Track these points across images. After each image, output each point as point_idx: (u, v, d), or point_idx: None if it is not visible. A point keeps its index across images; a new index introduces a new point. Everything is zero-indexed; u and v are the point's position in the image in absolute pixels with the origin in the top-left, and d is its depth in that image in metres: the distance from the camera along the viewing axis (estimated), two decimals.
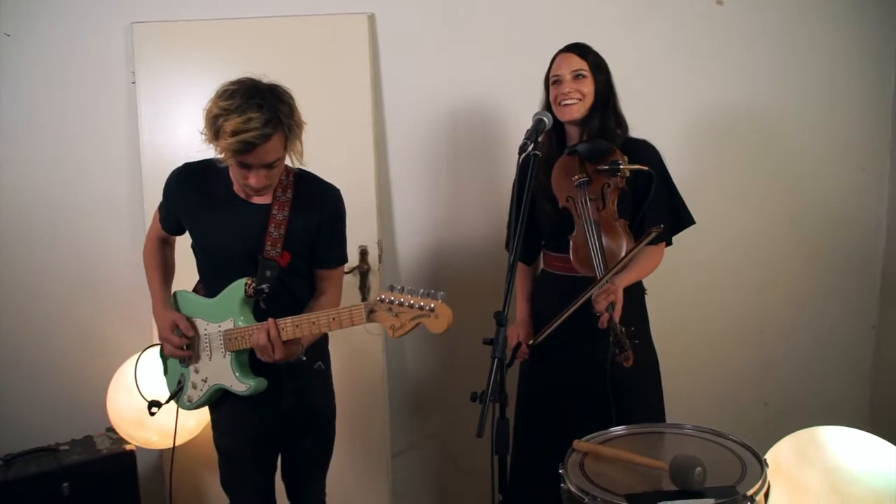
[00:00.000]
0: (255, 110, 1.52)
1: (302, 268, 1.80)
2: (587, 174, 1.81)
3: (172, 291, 1.91)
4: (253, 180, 1.62)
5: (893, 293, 2.67)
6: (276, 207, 1.72)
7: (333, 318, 1.59)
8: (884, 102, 2.63)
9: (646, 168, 1.79)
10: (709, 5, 2.54)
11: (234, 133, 1.51)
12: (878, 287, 2.71)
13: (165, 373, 1.94)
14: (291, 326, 1.63)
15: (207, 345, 1.79)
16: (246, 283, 1.70)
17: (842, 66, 2.60)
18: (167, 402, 1.88)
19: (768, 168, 2.63)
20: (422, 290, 1.48)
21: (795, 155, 2.64)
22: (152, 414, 1.89)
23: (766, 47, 2.57)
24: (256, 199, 1.74)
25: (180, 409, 1.90)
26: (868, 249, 2.70)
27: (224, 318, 1.75)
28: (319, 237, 1.76)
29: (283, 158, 1.66)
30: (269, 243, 1.70)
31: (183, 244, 1.91)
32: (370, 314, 1.53)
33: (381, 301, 1.51)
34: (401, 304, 1.49)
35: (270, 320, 1.63)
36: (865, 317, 2.73)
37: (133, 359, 2.34)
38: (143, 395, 1.94)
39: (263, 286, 1.68)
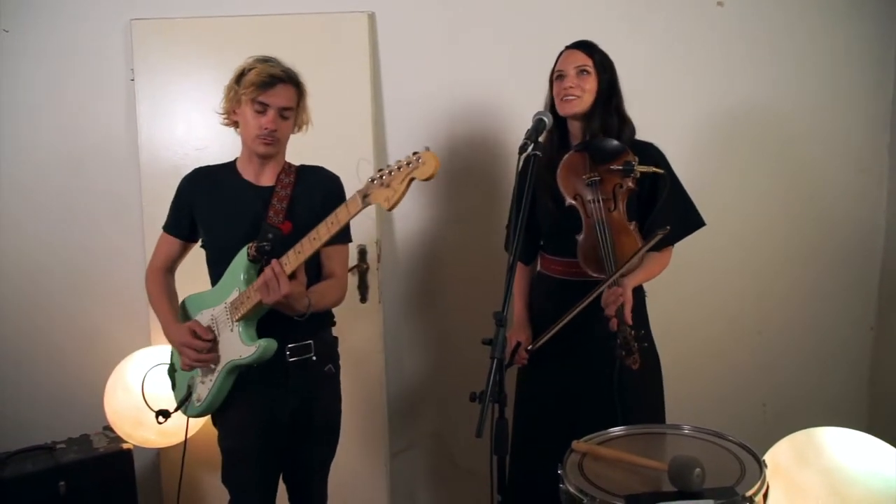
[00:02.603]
0: (277, 64, 1.79)
1: None
2: (598, 173, 1.80)
3: (181, 300, 1.92)
4: (267, 120, 1.75)
5: (891, 295, 2.68)
6: (280, 186, 1.82)
7: (332, 222, 1.62)
8: (883, 104, 2.63)
9: (661, 171, 1.78)
10: (709, 6, 2.54)
11: (260, 73, 1.73)
12: (876, 289, 2.72)
13: (174, 388, 1.94)
14: (293, 254, 1.66)
15: (216, 329, 1.80)
16: (248, 247, 1.73)
17: (841, 67, 2.60)
18: (175, 410, 1.88)
19: (767, 169, 2.63)
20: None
21: (794, 157, 2.64)
22: (160, 423, 1.88)
23: (765, 49, 2.57)
24: (263, 182, 1.84)
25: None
26: (866, 251, 2.70)
27: (229, 292, 1.77)
28: (323, 215, 1.74)
29: (294, 113, 1.80)
30: (272, 213, 1.78)
31: (188, 258, 1.95)
32: (365, 198, 1.58)
33: (372, 181, 1.56)
34: (390, 173, 1.54)
35: (273, 260, 1.66)
36: (864, 318, 2.73)
37: (130, 358, 2.35)
38: (149, 406, 1.94)
39: (265, 244, 1.72)
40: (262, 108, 1.74)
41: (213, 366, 1.80)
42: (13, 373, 2.51)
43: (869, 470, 1.64)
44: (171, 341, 1.87)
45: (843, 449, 1.70)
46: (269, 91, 1.73)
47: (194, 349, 1.78)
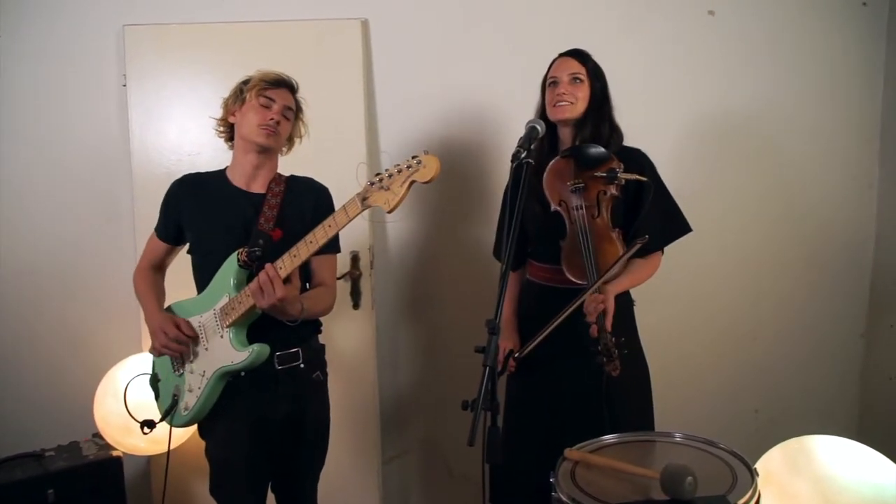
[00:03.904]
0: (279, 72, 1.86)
1: None
2: (583, 180, 1.81)
3: (167, 305, 1.92)
4: (275, 112, 1.80)
5: (882, 302, 2.69)
6: (270, 194, 1.83)
7: (329, 225, 1.63)
8: (873, 111, 2.65)
9: (644, 178, 1.79)
10: (703, 14, 2.56)
11: (268, 73, 1.83)
12: (866, 296, 2.73)
13: (157, 398, 1.93)
14: (289, 258, 1.66)
15: (203, 336, 1.79)
16: (239, 253, 1.73)
17: (832, 76, 2.62)
18: (161, 420, 1.86)
19: (759, 178, 2.65)
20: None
21: (785, 165, 2.66)
22: (145, 433, 1.87)
23: (756, 57, 2.59)
24: (253, 188, 1.84)
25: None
26: (857, 258, 2.72)
27: (218, 299, 1.76)
28: (312, 222, 1.75)
29: (293, 113, 1.86)
30: (262, 219, 1.79)
31: (176, 263, 1.95)
32: (364, 201, 1.60)
33: (371, 184, 1.58)
34: (390, 176, 1.56)
35: (268, 264, 1.67)
36: (854, 325, 2.75)
37: (121, 364, 2.33)
38: (133, 417, 1.92)
39: (256, 249, 1.72)
40: (268, 103, 1.80)
41: (203, 370, 1.79)
42: (1, 378, 2.48)
43: (860, 478, 1.65)
44: (149, 324, 1.87)
45: (834, 457, 1.70)
46: (277, 89, 1.82)
47: (166, 334, 1.78)
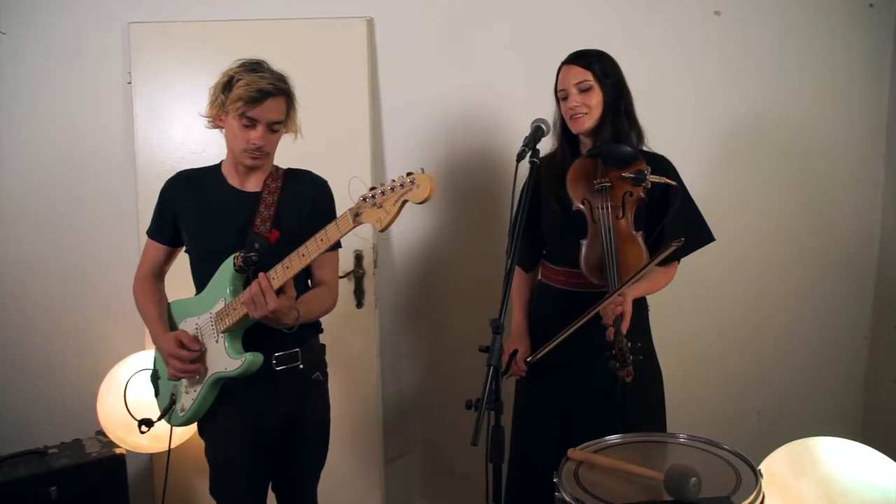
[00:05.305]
0: (267, 72, 1.72)
1: None
2: (609, 179, 1.77)
3: (167, 303, 1.90)
4: (256, 135, 1.70)
5: (886, 304, 2.68)
6: (267, 192, 1.78)
7: (322, 239, 1.58)
8: (878, 111, 2.64)
9: (673, 183, 1.75)
10: (708, 14, 2.55)
11: (248, 87, 1.66)
12: (871, 298, 2.72)
13: (157, 395, 1.92)
14: (281, 269, 1.62)
15: (201, 338, 1.78)
16: (234, 257, 1.70)
17: (838, 77, 2.61)
18: (158, 419, 1.86)
19: (763, 179, 2.64)
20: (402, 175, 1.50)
21: (790, 167, 2.65)
22: (143, 432, 1.87)
23: (761, 57, 2.58)
24: (248, 187, 1.80)
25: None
26: (862, 260, 2.71)
27: (215, 302, 1.74)
28: (311, 221, 1.74)
29: (282, 126, 1.75)
30: (258, 220, 1.74)
31: (176, 264, 1.94)
32: (356, 217, 1.54)
33: (364, 200, 1.53)
34: (383, 194, 1.51)
35: (260, 274, 1.63)
36: (858, 328, 2.74)
37: (124, 362, 2.34)
38: (132, 415, 1.92)
39: (251, 255, 1.68)
40: (251, 123, 1.69)
41: (197, 376, 1.78)
42: (5, 376, 2.49)
43: (864, 480, 1.64)
44: (158, 349, 1.83)
45: (838, 459, 1.70)
46: (259, 106, 1.67)
47: (179, 360, 1.74)
